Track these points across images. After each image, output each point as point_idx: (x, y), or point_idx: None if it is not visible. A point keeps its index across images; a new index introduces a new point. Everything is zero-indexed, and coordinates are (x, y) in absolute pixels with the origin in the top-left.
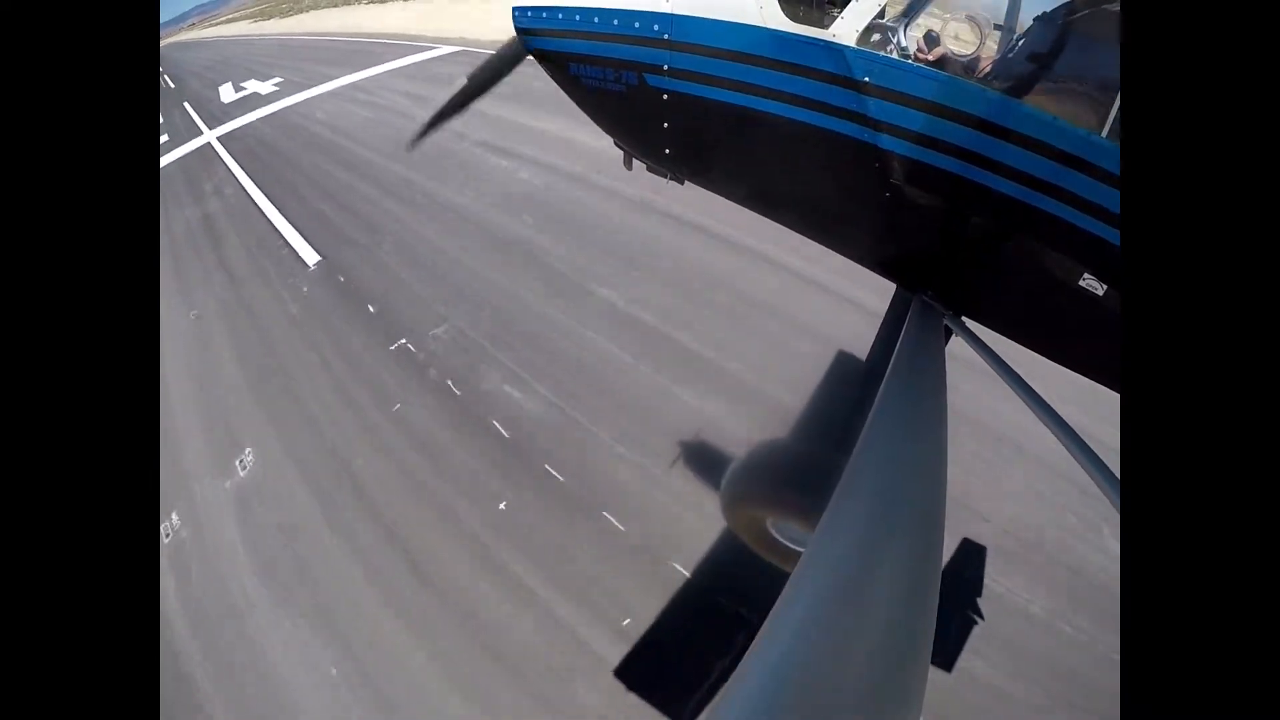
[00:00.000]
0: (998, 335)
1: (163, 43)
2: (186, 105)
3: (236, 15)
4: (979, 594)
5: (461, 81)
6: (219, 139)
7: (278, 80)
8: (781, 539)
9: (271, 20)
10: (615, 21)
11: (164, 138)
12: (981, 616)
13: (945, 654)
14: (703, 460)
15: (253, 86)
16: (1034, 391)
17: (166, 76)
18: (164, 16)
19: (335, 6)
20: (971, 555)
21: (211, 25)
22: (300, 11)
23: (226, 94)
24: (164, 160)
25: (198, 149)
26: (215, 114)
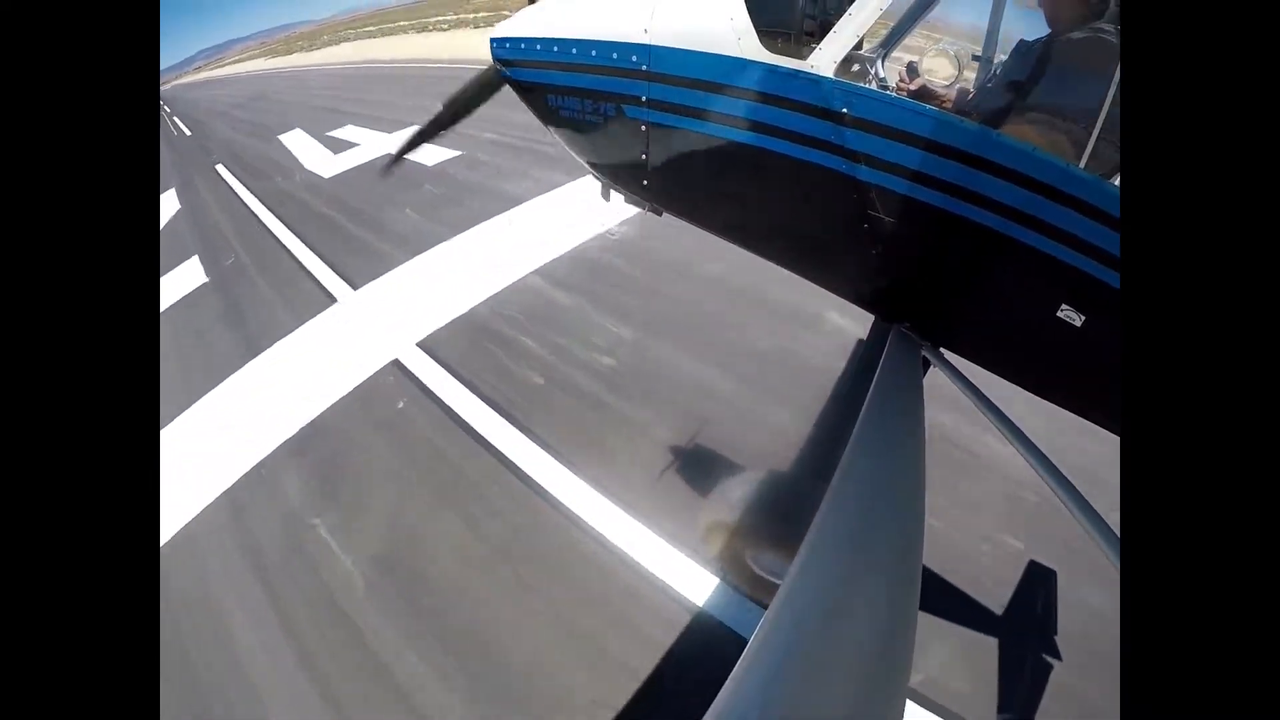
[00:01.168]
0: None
1: (166, 86)
2: (222, 170)
3: (245, 56)
4: (1054, 629)
5: (438, 107)
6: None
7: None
8: (759, 570)
9: (294, 55)
10: (593, 53)
11: (172, 275)
12: (1059, 657)
13: (1022, 710)
14: (696, 469)
15: (372, 141)
16: (1012, 423)
17: (176, 119)
18: (166, 62)
19: (373, 36)
20: (1038, 581)
21: (221, 66)
22: (320, 46)
23: (309, 152)
24: (173, 431)
25: (340, 405)
26: (308, 204)
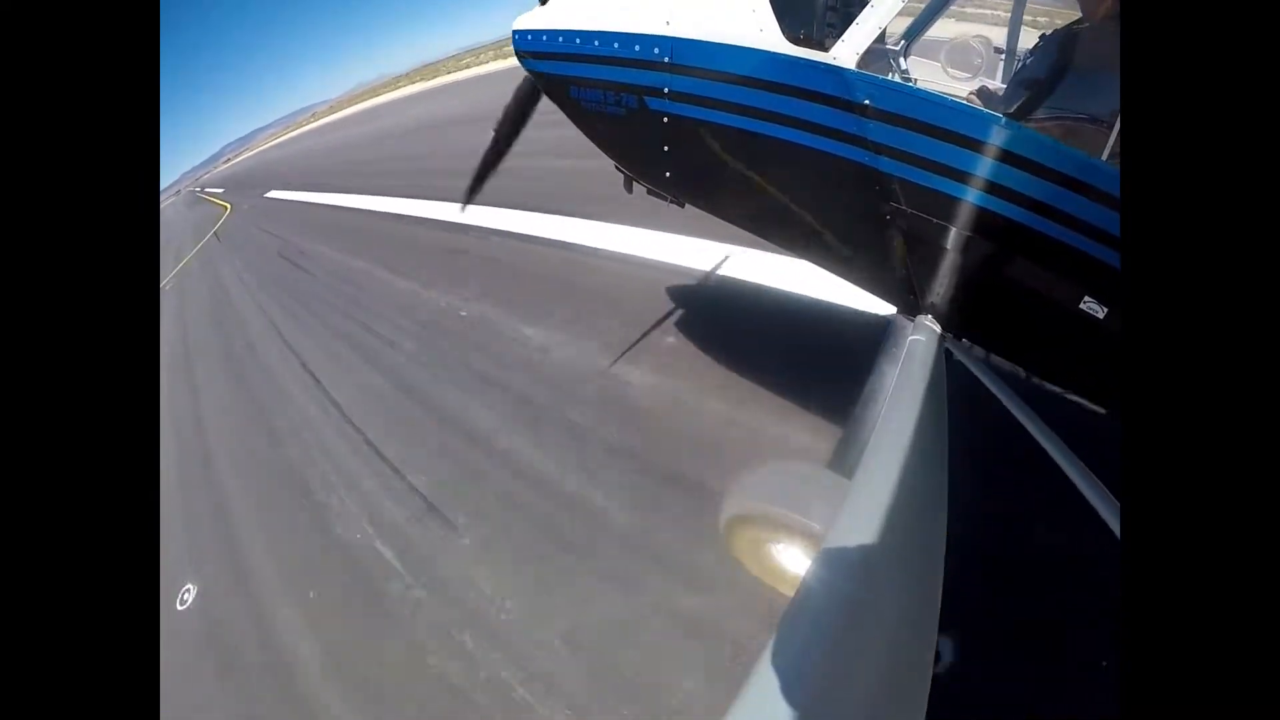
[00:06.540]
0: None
1: (215, 170)
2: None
3: (271, 139)
4: None
5: (489, 134)
6: None
7: None
8: (782, 562)
9: (383, 95)
10: (615, 45)
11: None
12: None
13: None
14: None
15: None
16: (1034, 414)
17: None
18: (194, 159)
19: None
20: None
21: (253, 149)
22: (400, 86)
23: None
24: None
25: None
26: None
